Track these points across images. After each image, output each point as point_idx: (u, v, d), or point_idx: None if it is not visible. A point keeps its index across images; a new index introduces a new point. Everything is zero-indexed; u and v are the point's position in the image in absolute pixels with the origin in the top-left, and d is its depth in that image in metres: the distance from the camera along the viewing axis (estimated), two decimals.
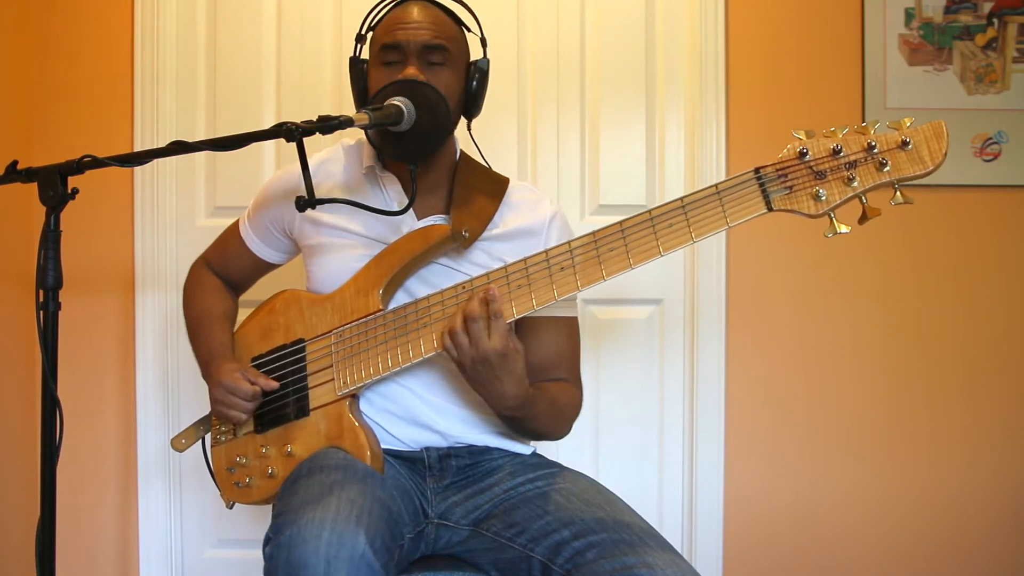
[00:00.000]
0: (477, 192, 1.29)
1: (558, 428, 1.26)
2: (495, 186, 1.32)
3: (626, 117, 1.97)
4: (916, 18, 1.93)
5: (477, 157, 1.38)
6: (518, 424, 1.20)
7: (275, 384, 1.25)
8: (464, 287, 1.14)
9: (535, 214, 1.31)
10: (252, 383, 1.24)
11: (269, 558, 0.96)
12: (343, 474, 1.07)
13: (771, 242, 1.94)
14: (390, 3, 1.28)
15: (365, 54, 1.30)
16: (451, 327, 1.09)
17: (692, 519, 1.95)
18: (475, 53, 1.32)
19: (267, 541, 0.99)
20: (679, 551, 1.07)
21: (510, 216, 1.30)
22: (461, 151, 1.36)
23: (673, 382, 1.97)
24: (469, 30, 1.31)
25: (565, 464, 1.27)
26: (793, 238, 1.93)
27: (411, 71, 1.19)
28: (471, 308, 1.08)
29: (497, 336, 1.07)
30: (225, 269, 1.45)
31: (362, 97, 1.28)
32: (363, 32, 1.30)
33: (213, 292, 1.42)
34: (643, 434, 1.97)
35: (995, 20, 1.94)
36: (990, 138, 1.92)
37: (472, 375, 1.10)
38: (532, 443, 1.32)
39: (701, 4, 1.94)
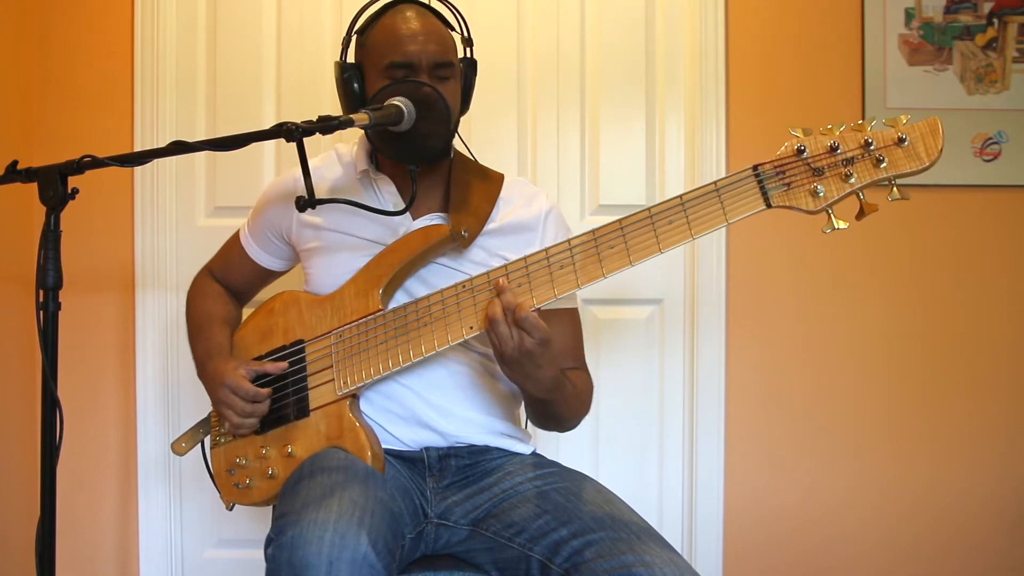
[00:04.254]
0: (474, 190, 1.29)
1: (579, 411, 1.27)
2: (491, 183, 1.32)
3: (626, 117, 1.97)
4: (916, 18, 1.93)
5: (467, 154, 1.39)
6: (547, 408, 1.20)
7: (283, 365, 1.25)
8: (464, 286, 1.15)
9: (530, 208, 1.32)
10: (256, 379, 1.24)
11: (271, 559, 0.96)
12: (344, 475, 1.07)
13: (771, 242, 1.94)
14: (379, 8, 1.28)
15: (350, 57, 1.29)
16: (492, 316, 1.07)
17: (692, 519, 1.95)
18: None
19: (269, 542, 0.99)
20: (679, 551, 1.07)
21: (506, 210, 1.31)
22: (455, 149, 1.36)
23: (673, 382, 1.97)
24: (453, 29, 1.32)
25: (565, 464, 1.27)
26: (793, 238, 1.93)
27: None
28: (518, 301, 1.07)
29: (536, 328, 1.06)
30: (227, 277, 1.45)
31: (355, 100, 1.27)
32: (348, 37, 1.30)
33: (214, 298, 1.42)
34: (643, 434, 1.97)
35: (995, 20, 1.94)
36: (990, 138, 1.92)
37: (511, 363, 1.08)
38: (533, 444, 1.32)
39: (701, 4, 1.94)
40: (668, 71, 1.97)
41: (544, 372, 1.10)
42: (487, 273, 1.14)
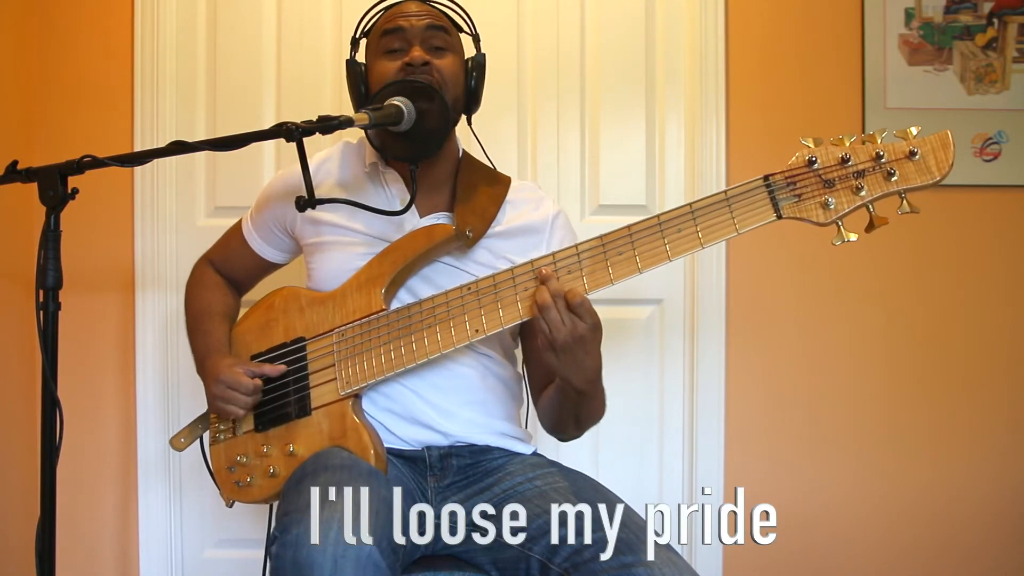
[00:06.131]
0: (480, 191, 1.29)
1: (601, 411, 1.25)
2: (497, 185, 1.32)
3: (626, 117, 1.97)
4: (916, 18, 1.93)
5: (479, 152, 1.39)
6: (581, 403, 1.18)
7: (282, 368, 1.25)
8: (469, 288, 1.15)
9: (538, 212, 1.32)
10: (253, 376, 1.24)
11: (276, 557, 0.96)
12: (348, 474, 1.07)
13: (771, 242, 1.94)
14: (385, 5, 1.30)
15: (360, 57, 1.30)
16: (542, 303, 1.06)
17: (692, 519, 1.94)
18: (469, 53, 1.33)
19: (273, 540, 0.99)
20: (678, 551, 1.07)
21: (512, 214, 1.31)
22: (464, 150, 1.36)
23: (673, 382, 1.97)
24: (462, 30, 1.33)
25: (565, 464, 1.26)
26: (793, 239, 1.92)
27: (416, 53, 1.21)
28: (567, 288, 1.06)
29: (590, 313, 1.06)
30: (227, 268, 1.45)
31: (361, 98, 1.29)
32: (357, 36, 1.30)
33: (214, 289, 1.42)
34: (643, 434, 1.97)
35: (995, 20, 1.94)
36: (990, 138, 1.92)
37: (562, 350, 1.07)
38: (533, 444, 1.32)
39: (701, 4, 1.94)
40: (668, 71, 1.97)
41: (591, 360, 1.10)
42: (492, 276, 1.14)
